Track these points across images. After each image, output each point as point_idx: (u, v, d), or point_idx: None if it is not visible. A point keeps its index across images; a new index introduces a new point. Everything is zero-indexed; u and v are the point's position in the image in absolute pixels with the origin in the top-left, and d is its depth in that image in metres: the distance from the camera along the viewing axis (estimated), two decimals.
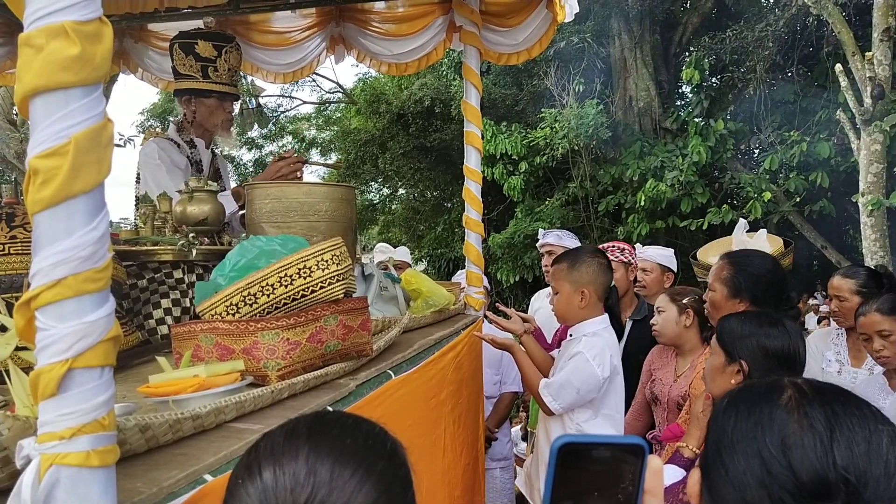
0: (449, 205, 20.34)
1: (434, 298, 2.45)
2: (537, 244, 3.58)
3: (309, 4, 3.34)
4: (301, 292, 1.42)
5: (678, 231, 12.40)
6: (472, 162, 2.91)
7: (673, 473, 1.84)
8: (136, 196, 2.71)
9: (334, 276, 1.44)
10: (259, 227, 2.02)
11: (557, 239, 3.43)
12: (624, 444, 0.53)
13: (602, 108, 12.89)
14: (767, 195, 11.49)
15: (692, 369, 2.63)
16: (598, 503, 0.53)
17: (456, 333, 2.47)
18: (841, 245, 12.91)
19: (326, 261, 1.44)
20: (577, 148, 12.81)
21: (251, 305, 1.40)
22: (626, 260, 3.17)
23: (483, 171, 12.02)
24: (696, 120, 12.97)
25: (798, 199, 11.70)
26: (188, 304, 2.01)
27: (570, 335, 2.35)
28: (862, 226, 8.83)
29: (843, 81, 8.52)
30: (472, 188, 2.90)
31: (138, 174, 2.72)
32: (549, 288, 3.73)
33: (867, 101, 8.29)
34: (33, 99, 0.73)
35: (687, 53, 14.84)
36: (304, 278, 1.42)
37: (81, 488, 0.74)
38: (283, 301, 1.42)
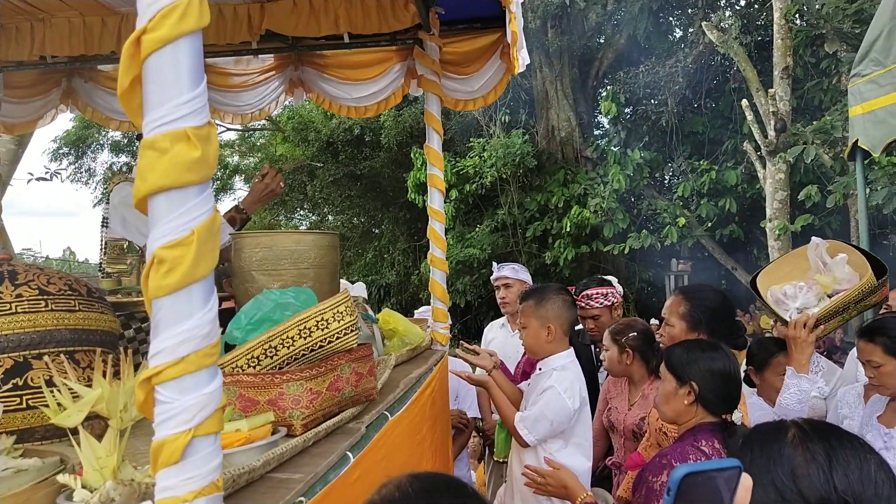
0: (377, 231, 20.39)
1: (409, 337, 2.56)
2: (492, 278, 3.75)
3: (269, 51, 3.41)
4: (319, 343, 1.51)
5: (602, 255, 12.98)
6: (436, 203, 3.06)
7: None
8: (103, 241, 2.68)
9: (349, 327, 1.54)
10: (249, 276, 2.08)
11: (513, 272, 3.62)
12: (727, 467, 0.67)
13: (528, 138, 13.39)
14: (682, 220, 12.22)
15: (644, 398, 2.84)
16: None
17: (430, 370, 2.58)
18: (747, 265, 13.81)
19: (341, 312, 1.53)
20: (504, 176, 13.23)
21: (272, 357, 1.48)
22: (609, 303, 3.37)
23: (415, 199, 12.19)
24: (614, 149, 13.66)
25: (709, 224, 12.47)
26: None
27: (540, 369, 2.51)
28: (770, 249, 9.54)
29: (749, 115, 9.25)
30: (437, 227, 3.04)
31: (105, 219, 2.69)
32: (503, 318, 3.91)
33: (771, 133, 9.03)
34: (155, 196, 0.82)
35: (603, 86, 15.67)
36: (322, 330, 1.50)
37: None
38: (301, 352, 1.50)
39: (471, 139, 13.61)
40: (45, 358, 1.48)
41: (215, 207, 0.86)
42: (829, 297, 2.22)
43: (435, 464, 2.51)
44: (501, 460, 3.16)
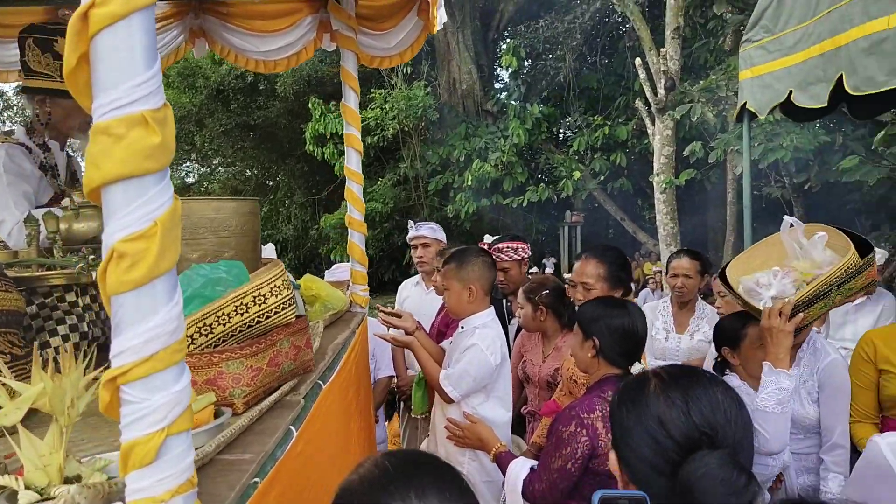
0: (272, 184, 19.75)
1: (332, 302, 2.54)
2: (409, 237, 3.76)
3: None
4: (256, 319, 1.47)
5: (502, 208, 13.28)
6: (353, 163, 3.00)
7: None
8: None
9: (287, 301, 1.51)
10: None
11: (431, 231, 3.65)
12: (636, 497, 0.78)
13: (430, 90, 13.30)
14: (577, 174, 12.69)
15: (557, 350, 2.99)
16: None
17: (353, 333, 2.58)
18: (634, 216, 14.63)
19: (278, 286, 1.50)
20: (406, 129, 13.13)
21: (206, 336, 1.43)
22: (519, 258, 3.45)
23: (313, 152, 11.92)
24: (514, 103, 13.85)
25: (602, 178, 13.01)
26: (86, 329, 1.91)
27: (462, 328, 2.57)
28: (656, 201, 10.12)
29: (642, 74, 9.64)
30: (354, 189, 2.99)
31: None
32: (417, 277, 3.95)
33: (661, 91, 9.47)
34: (111, 185, 0.76)
35: (503, 40, 15.74)
36: (259, 305, 1.47)
37: None
38: (238, 329, 1.46)
39: (372, 90, 13.33)
40: None
41: (175, 195, 0.81)
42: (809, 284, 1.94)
43: (361, 425, 2.54)
44: (419, 416, 3.24)
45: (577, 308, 2.35)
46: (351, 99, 2.99)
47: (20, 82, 2.71)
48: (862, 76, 3.25)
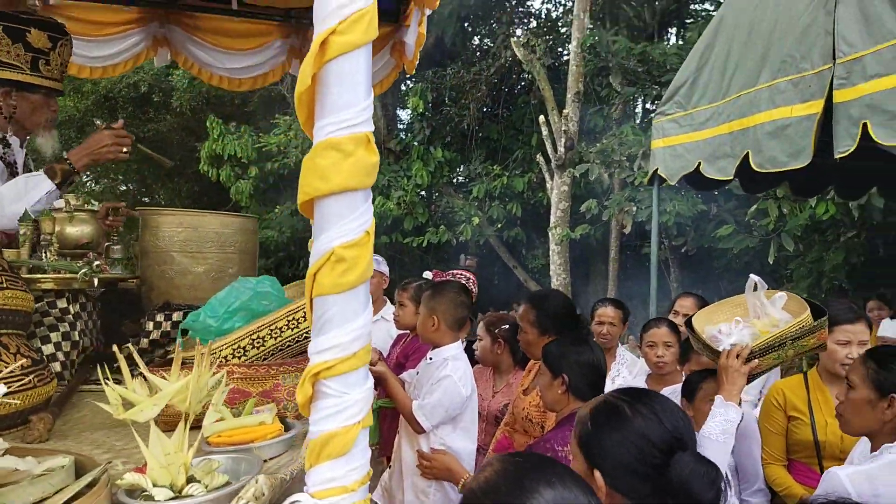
0: (148, 201, 18.67)
1: None
2: None
3: (132, 2, 3.09)
4: (304, 334, 1.51)
5: (401, 246, 13.41)
6: None
7: None
8: None
9: None
10: (169, 256, 1.94)
11: (375, 264, 3.72)
12: None
13: None
14: (476, 220, 13.11)
15: (508, 387, 3.13)
16: None
17: None
18: (524, 265, 15.30)
19: None
20: None
21: (258, 348, 1.45)
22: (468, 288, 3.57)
23: (208, 172, 11.49)
24: (417, 145, 14.18)
25: (499, 226, 13.54)
26: (77, 339, 1.83)
27: (430, 358, 2.65)
28: (551, 252, 10.69)
29: (545, 131, 10.26)
30: None
31: None
32: None
33: (561, 149, 10.12)
34: (336, 196, 0.83)
35: (404, 82, 16.12)
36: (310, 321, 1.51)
37: None
38: (287, 343, 1.49)
39: (276, 115, 13.15)
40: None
41: None
42: None
43: None
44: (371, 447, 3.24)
45: (542, 349, 2.45)
46: None
47: None
48: (767, 156, 3.75)
